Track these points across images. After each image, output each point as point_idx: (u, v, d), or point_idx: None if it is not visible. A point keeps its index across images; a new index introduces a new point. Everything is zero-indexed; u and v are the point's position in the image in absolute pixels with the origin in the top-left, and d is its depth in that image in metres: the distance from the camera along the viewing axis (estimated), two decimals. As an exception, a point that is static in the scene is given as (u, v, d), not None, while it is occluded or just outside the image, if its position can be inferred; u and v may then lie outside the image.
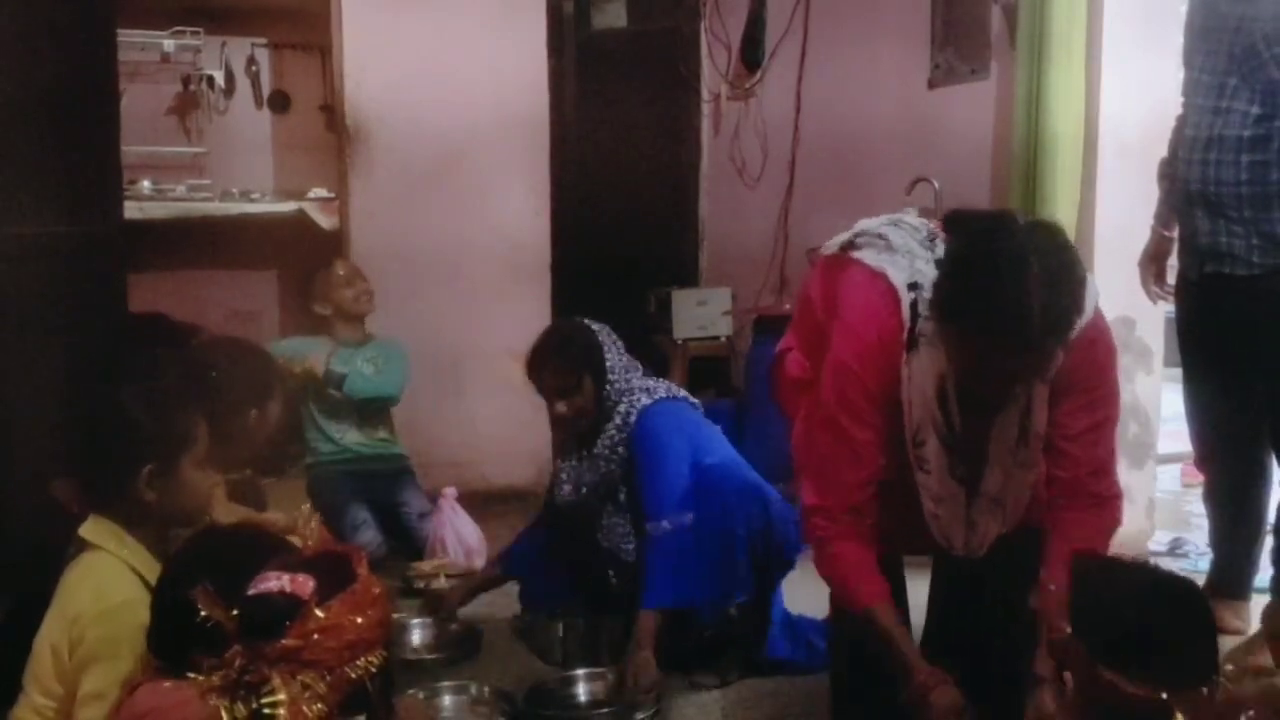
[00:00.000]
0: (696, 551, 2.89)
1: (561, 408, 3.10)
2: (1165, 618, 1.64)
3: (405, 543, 3.96)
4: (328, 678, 1.50)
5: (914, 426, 2.18)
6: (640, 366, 3.19)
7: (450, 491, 3.92)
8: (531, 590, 3.31)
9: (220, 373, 2.62)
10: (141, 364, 2.30)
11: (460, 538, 3.85)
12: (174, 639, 1.71)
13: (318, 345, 4.12)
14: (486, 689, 2.88)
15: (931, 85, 4.54)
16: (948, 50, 4.47)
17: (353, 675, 1.52)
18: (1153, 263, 3.27)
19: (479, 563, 3.87)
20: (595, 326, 3.16)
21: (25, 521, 2.47)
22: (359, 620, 1.53)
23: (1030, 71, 3.77)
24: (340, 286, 4.13)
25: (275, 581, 1.55)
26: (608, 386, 3.06)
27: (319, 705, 1.49)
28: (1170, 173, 3.13)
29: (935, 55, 4.52)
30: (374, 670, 1.54)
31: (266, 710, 1.48)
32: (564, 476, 3.23)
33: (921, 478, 2.22)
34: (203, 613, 1.51)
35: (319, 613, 1.51)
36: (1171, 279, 3.27)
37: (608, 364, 3.08)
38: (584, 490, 3.16)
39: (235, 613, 1.52)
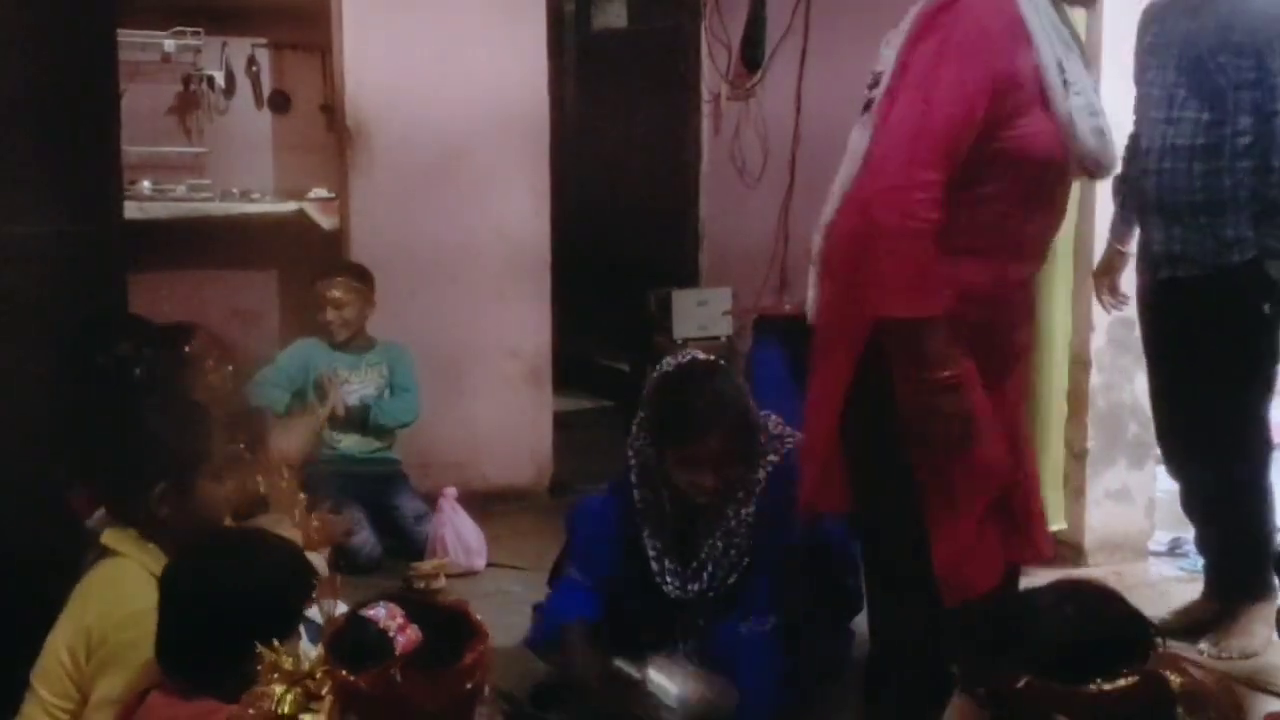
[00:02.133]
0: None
1: (711, 481, 2.58)
2: (1090, 615, 1.60)
3: (401, 544, 3.96)
4: None
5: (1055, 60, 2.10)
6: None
7: (450, 491, 3.92)
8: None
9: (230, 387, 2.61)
10: (158, 378, 2.29)
11: (460, 537, 3.85)
12: (186, 654, 1.71)
13: (315, 353, 4.11)
14: (487, 689, 2.88)
15: (931, 85, 4.53)
16: (948, 50, 4.46)
17: None
18: (1104, 276, 3.35)
19: (479, 563, 3.87)
20: (722, 365, 2.71)
21: (21, 523, 2.47)
22: (428, 707, 1.43)
23: (1030, 71, 3.77)
24: (319, 307, 4.13)
25: (386, 617, 1.46)
26: (757, 447, 2.64)
27: None
28: (1124, 189, 3.21)
29: (935, 55, 4.51)
30: None
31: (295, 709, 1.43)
32: (670, 555, 2.69)
33: (1077, 102, 2.12)
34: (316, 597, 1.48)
35: (396, 676, 1.41)
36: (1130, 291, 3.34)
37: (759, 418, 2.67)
38: (710, 584, 2.67)
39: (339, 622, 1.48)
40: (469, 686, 1.49)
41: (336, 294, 4.12)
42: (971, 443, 2.07)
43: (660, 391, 2.69)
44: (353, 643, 1.45)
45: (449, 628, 1.51)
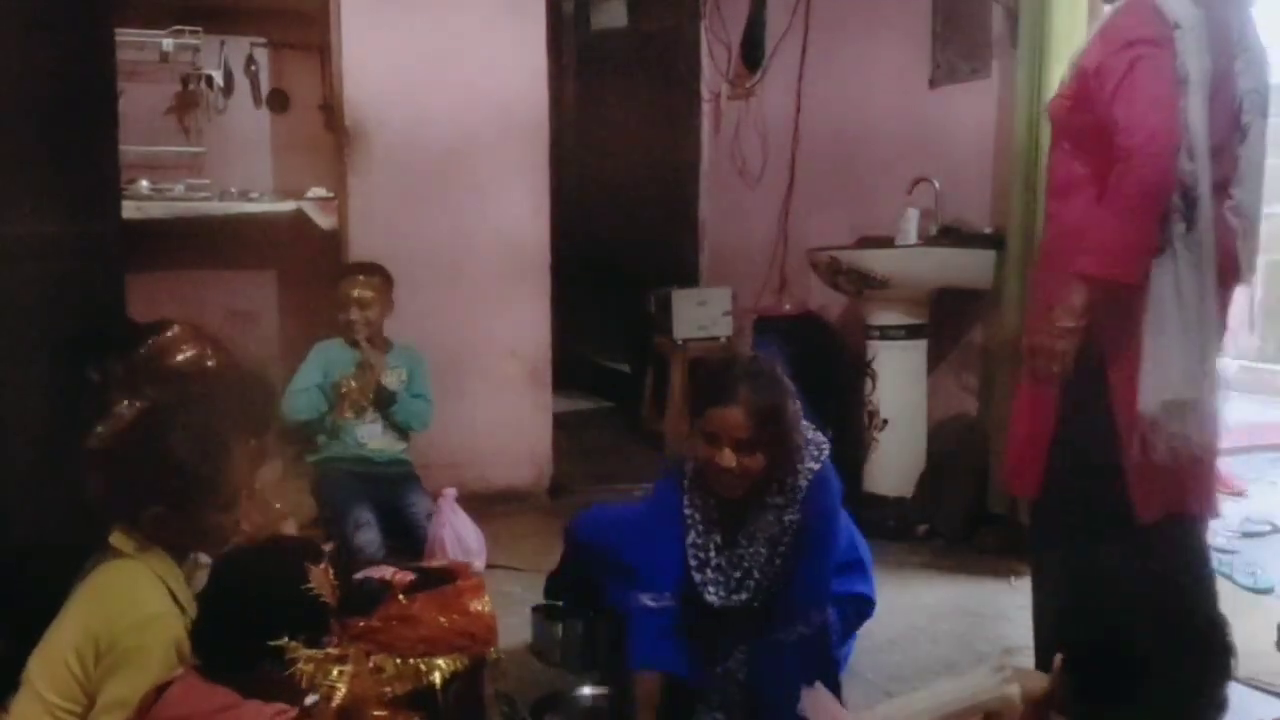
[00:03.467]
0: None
1: (730, 460, 2.50)
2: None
3: (412, 543, 3.95)
4: (398, 663, 1.56)
5: None
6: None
7: (450, 492, 3.91)
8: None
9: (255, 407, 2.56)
10: (186, 403, 2.26)
11: (460, 538, 3.84)
12: (228, 643, 1.71)
13: (335, 354, 4.10)
14: (489, 690, 2.87)
15: (932, 85, 4.53)
16: (948, 50, 4.46)
17: (422, 668, 1.57)
18: None
19: (478, 564, 3.86)
20: (777, 362, 2.62)
21: (17, 521, 2.46)
22: (440, 619, 1.60)
23: (1031, 71, 3.76)
24: (339, 307, 4.11)
25: (380, 572, 1.65)
26: (792, 447, 2.56)
27: (383, 686, 1.56)
28: None
29: (936, 55, 4.51)
30: (447, 674, 1.59)
31: (334, 676, 1.53)
32: (712, 564, 2.62)
33: None
34: (313, 586, 1.56)
35: (402, 599, 1.60)
36: None
37: (797, 419, 2.57)
38: (755, 593, 2.60)
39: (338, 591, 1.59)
40: (472, 609, 1.65)
41: (360, 292, 4.09)
42: None
43: (702, 368, 2.81)
44: (360, 598, 1.61)
45: (440, 576, 1.71)
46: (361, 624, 1.58)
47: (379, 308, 4.12)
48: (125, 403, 2.29)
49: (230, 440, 2.11)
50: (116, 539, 2.02)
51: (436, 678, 1.59)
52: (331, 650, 1.55)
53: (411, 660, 1.57)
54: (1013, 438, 2.83)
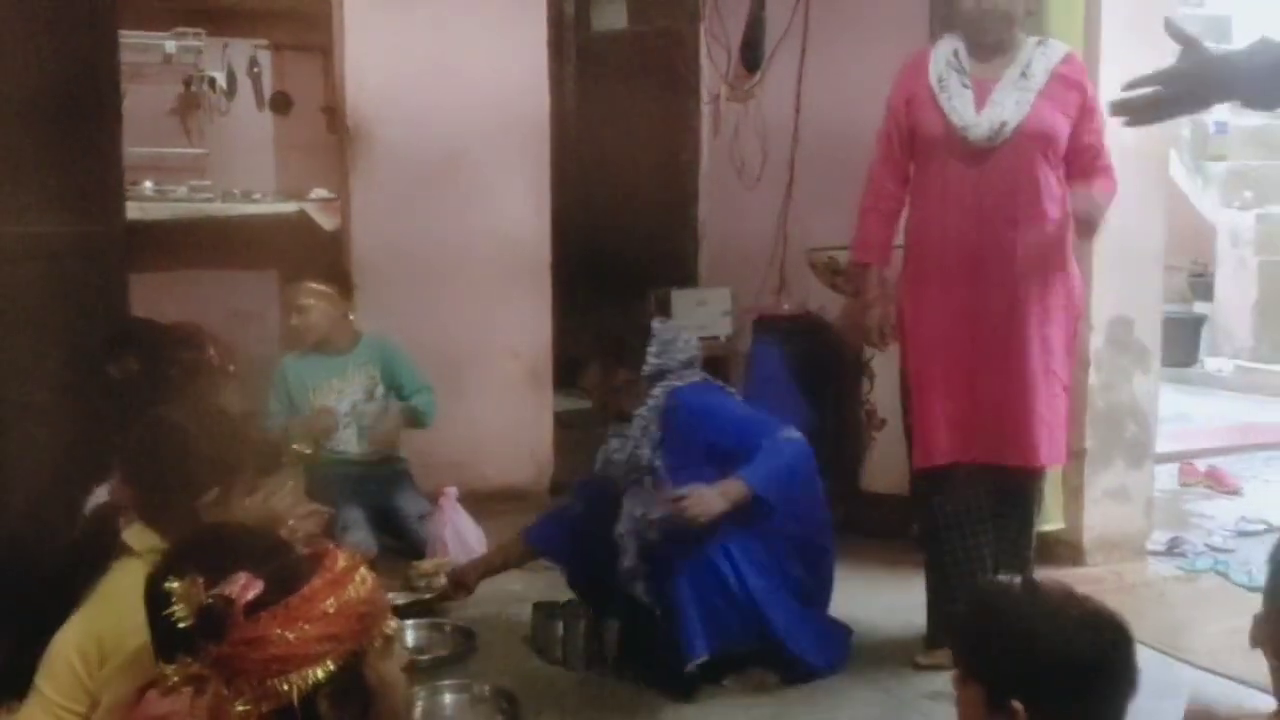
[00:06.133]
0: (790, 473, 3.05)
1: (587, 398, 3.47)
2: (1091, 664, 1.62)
3: (405, 544, 3.97)
4: (254, 684, 1.46)
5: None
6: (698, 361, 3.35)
7: (451, 491, 3.93)
8: (571, 572, 3.38)
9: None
10: (205, 401, 2.29)
11: (461, 537, 3.85)
12: (167, 639, 1.71)
13: (296, 367, 4.11)
14: (487, 688, 2.90)
15: (931, 85, 4.54)
16: (947, 51, 4.46)
17: (282, 689, 1.45)
18: None
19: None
20: (657, 326, 3.33)
21: (19, 520, 2.48)
22: (289, 635, 1.45)
23: (1029, 72, 3.77)
24: (288, 314, 4.11)
25: (231, 585, 1.49)
26: (641, 379, 3.25)
27: (244, 708, 1.45)
28: None
29: (934, 56, 4.51)
30: (307, 686, 1.46)
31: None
32: (603, 450, 3.37)
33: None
34: (175, 605, 1.47)
35: (243, 621, 1.45)
36: None
37: (645, 356, 3.25)
38: (611, 465, 3.27)
39: (196, 609, 1.48)
40: (327, 610, 1.49)
41: (297, 300, 4.09)
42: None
43: None
44: (211, 618, 1.47)
45: (292, 573, 1.53)
46: (213, 650, 1.45)
47: (319, 314, 4.07)
48: (144, 401, 2.32)
49: (247, 439, 2.14)
50: (130, 535, 2.03)
51: (294, 694, 1.44)
52: (199, 671, 1.47)
53: (267, 682, 1.44)
54: (1033, 409, 3.06)
